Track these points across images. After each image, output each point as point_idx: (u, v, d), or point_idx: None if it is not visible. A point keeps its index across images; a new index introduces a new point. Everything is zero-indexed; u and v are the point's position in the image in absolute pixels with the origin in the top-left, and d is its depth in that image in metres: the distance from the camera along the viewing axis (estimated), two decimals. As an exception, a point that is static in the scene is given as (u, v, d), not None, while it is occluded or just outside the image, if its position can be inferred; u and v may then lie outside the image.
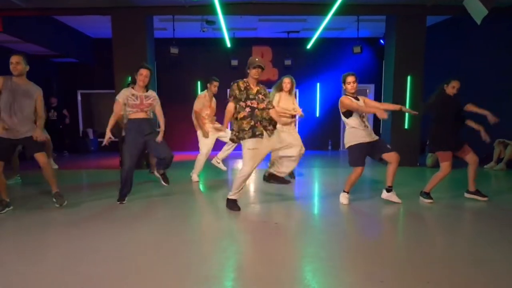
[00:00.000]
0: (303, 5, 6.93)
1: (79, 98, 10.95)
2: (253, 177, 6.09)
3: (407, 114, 7.08)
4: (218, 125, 5.49)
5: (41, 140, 3.94)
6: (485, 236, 3.09)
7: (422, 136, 7.37)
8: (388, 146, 4.11)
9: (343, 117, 4.17)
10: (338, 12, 6.87)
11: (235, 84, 3.87)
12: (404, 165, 7.02)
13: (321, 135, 10.64)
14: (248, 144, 3.81)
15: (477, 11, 5.96)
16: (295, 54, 10.19)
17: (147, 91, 4.26)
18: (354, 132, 4.06)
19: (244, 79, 3.93)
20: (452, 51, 8.42)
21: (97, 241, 2.95)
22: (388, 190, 4.20)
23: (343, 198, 4.18)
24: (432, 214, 3.80)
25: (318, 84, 10.59)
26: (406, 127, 7.11)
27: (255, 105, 3.83)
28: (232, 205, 3.96)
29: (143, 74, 4.15)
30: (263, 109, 3.87)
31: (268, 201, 4.33)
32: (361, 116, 4.09)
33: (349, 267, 2.42)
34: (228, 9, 6.70)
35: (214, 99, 5.63)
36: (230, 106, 3.87)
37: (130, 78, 6.04)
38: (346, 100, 4.07)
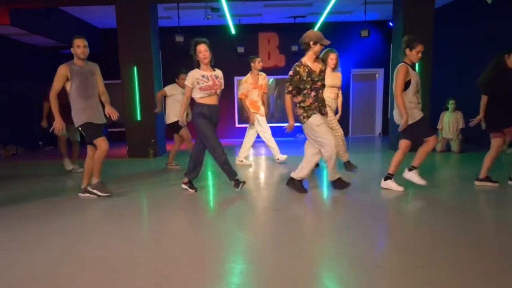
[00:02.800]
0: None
1: (88, 89, 11.06)
2: (260, 163, 6.11)
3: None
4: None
5: (117, 117, 3.84)
6: (484, 218, 3.05)
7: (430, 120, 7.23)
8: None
9: (395, 90, 3.74)
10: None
11: (296, 75, 3.60)
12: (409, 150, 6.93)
13: (329, 121, 10.56)
14: (315, 121, 3.66)
15: (488, -10, 5.75)
16: (303, 40, 10.04)
17: (214, 70, 3.92)
18: (411, 110, 3.75)
19: (302, 62, 3.63)
20: (463, 33, 8.18)
21: (100, 227, 3.03)
22: (387, 178, 4.08)
23: (414, 176, 3.97)
24: (431, 198, 3.77)
25: (325, 70, 10.45)
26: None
27: (319, 86, 3.70)
28: (343, 184, 3.91)
29: (203, 50, 3.75)
30: (322, 87, 3.77)
31: (271, 186, 4.35)
32: (417, 91, 3.81)
33: (345, 251, 2.44)
34: (232, -5, 6.63)
35: (263, 75, 5.71)
36: (288, 98, 3.72)
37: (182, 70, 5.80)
38: (402, 71, 3.68)
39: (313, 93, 3.67)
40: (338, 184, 3.97)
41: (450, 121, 6.93)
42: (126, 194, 4.13)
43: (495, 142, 4.06)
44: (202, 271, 2.17)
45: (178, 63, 10.34)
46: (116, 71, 7.07)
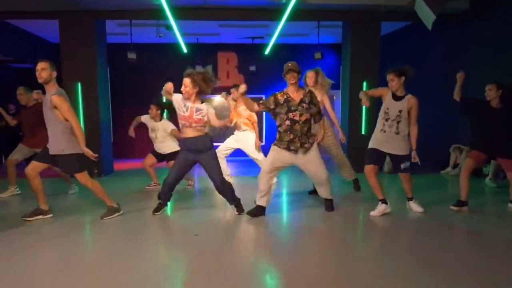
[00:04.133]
0: (259, 10, 6.84)
1: (39, 104, 10.60)
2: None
3: (363, 119, 7.08)
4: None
5: (92, 157, 3.45)
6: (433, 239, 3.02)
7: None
8: (402, 165, 3.90)
9: None
10: (295, 18, 6.81)
11: (272, 95, 3.74)
12: (360, 171, 6.94)
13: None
14: (274, 147, 3.81)
15: (427, 16, 6.02)
16: (261, 60, 10.11)
17: (201, 102, 3.65)
18: (373, 135, 3.97)
19: (284, 90, 3.77)
20: (410, 58, 8.48)
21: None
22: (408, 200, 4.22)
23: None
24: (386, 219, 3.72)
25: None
26: (363, 133, 7.08)
27: (297, 118, 3.66)
28: (257, 211, 3.84)
29: (185, 83, 3.59)
30: (305, 121, 3.69)
31: (197, 212, 4.19)
32: (386, 119, 3.83)
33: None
34: (180, 13, 6.57)
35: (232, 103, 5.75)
36: (255, 107, 3.77)
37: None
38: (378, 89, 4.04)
39: (287, 122, 3.66)
40: (255, 210, 3.90)
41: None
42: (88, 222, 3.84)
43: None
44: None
45: (130, 81, 10.13)
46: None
